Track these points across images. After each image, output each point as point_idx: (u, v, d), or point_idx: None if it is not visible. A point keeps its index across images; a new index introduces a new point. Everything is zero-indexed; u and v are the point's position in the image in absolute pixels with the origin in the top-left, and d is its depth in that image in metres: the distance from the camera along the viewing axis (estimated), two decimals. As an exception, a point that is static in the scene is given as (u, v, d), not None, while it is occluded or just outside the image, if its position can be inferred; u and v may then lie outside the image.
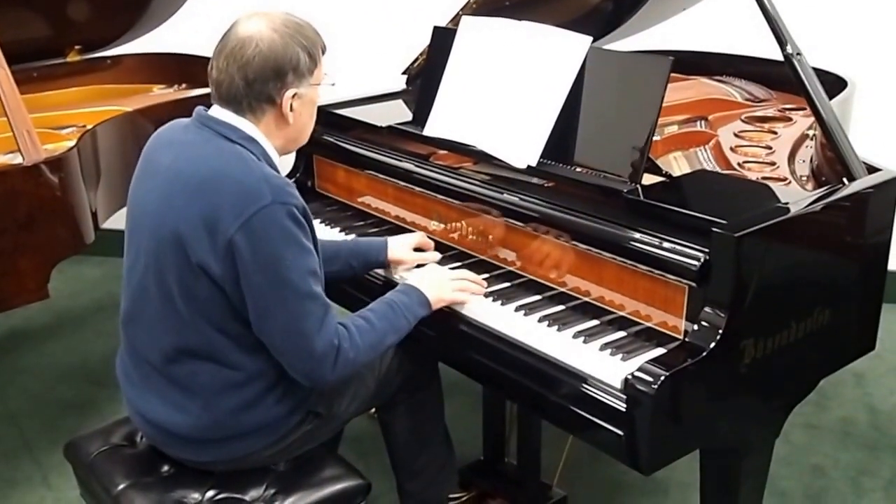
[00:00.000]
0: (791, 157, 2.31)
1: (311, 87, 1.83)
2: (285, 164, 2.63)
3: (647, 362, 1.64)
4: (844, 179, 1.94)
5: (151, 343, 1.84)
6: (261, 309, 1.72)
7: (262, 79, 1.75)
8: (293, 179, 2.64)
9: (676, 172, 2.16)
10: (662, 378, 1.58)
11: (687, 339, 1.71)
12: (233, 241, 1.67)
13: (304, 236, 1.74)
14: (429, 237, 2.26)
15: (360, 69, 3.45)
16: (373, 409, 2.25)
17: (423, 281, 1.98)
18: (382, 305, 1.90)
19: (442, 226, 2.24)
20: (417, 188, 2.28)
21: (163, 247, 1.75)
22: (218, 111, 1.81)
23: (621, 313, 1.86)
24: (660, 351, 1.73)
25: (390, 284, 2.09)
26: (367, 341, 1.81)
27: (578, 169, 2.02)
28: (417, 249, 2.22)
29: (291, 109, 1.81)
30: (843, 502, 2.72)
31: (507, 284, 2.05)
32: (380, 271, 2.21)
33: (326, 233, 2.41)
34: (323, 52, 1.86)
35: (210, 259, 1.70)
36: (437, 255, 2.21)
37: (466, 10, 2.50)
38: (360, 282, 2.21)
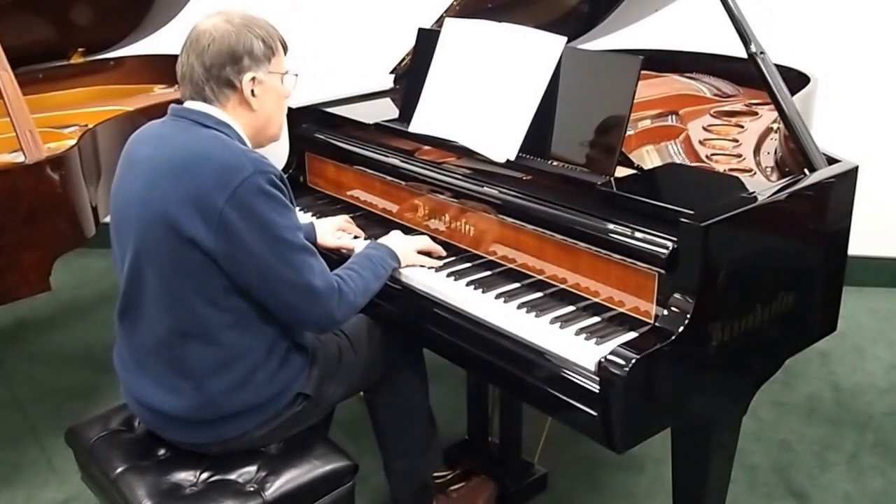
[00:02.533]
0: (756, 150, 2.29)
1: (270, 74, 1.85)
2: (278, 160, 2.62)
3: (619, 346, 1.62)
4: (806, 170, 1.93)
5: (146, 328, 1.83)
6: (264, 271, 1.74)
7: (218, 63, 1.79)
8: (286, 176, 2.61)
9: (648, 165, 2.15)
10: (634, 361, 1.57)
11: (657, 324, 1.70)
12: (224, 214, 1.69)
13: (286, 198, 1.78)
14: (413, 228, 2.25)
15: (349, 69, 3.44)
16: (361, 392, 2.24)
17: (388, 239, 2.10)
18: (360, 258, 1.99)
19: (426, 218, 2.22)
20: (403, 182, 2.27)
21: (151, 228, 1.74)
22: (190, 103, 1.84)
23: (595, 299, 1.85)
24: (632, 335, 1.72)
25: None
26: (359, 286, 1.89)
27: (555, 163, 2.00)
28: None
29: (254, 95, 1.83)
30: (809, 475, 2.73)
31: (487, 273, 2.03)
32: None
33: (314, 222, 2.39)
34: (285, 48, 1.91)
35: (202, 233, 1.70)
36: (358, 242, 2.24)
37: (449, 13, 2.48)
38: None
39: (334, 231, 2.28)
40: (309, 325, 1.87)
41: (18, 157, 2.50)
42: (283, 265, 1.74)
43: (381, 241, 2.09)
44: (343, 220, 2.32)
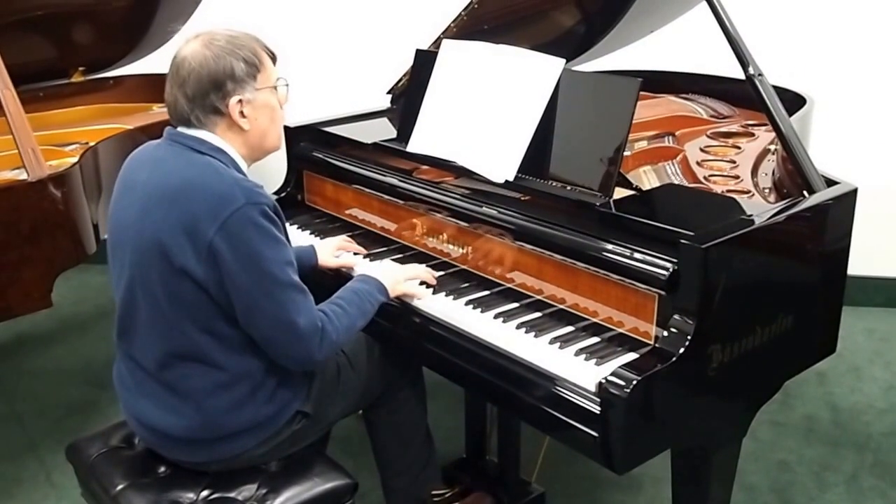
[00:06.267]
0: (754, 171, 2.29)
1: (258, 91, 1.81)
2: (276, 178, 2.63)
3: (619, 367, 1.62)
4: (805, 192, 1.93)
5: (144, 351, 1.83)
6: (248, 304, 1.72)
7: (201, 93, 1.76)
8: (284, 194, 2.62)
9: (646, 186, 2.15)
10: (634, 382, 1.56)
11: (657, 345, 1.69)
12: (213, 244, 1.68)
13: (278, 230, 1.75)
14: (412, 247, 2.25)
15: (347, 89, 3.44)
16: (360, 411, 2.23)
17: (376, 271, 2.03)
18: (348, 293, 1.93)
19: (424, 237, 2.22)
20: (401, 201, 2.27)
21: (145, 256, 1.74)
22: (184, 129, 1.82)
23: (595, 320, 1.84)
24: (632, 356, 1.71)
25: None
26: (343, 324, 1.84)
27: (553, 183, 2.00)
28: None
29: (244, 116, 1.80)
30: (807, 495, 2.71)
31: (486, 292, 2.03)
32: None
33: (315, 244, 2.38)
34: (273, 59, 1.86)
35: (192, 263, 1.69)
36: (358, 259, 2.24)
37: (447, 34, 2.48)
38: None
39: (334, 251, 2.26)
40: (288, 362, 1.82)
41: (21, 175, 2.50)
42: (268, 300, 1.71)
43: (370, 272, 2.03)
44: (342, 239, 2.31)
